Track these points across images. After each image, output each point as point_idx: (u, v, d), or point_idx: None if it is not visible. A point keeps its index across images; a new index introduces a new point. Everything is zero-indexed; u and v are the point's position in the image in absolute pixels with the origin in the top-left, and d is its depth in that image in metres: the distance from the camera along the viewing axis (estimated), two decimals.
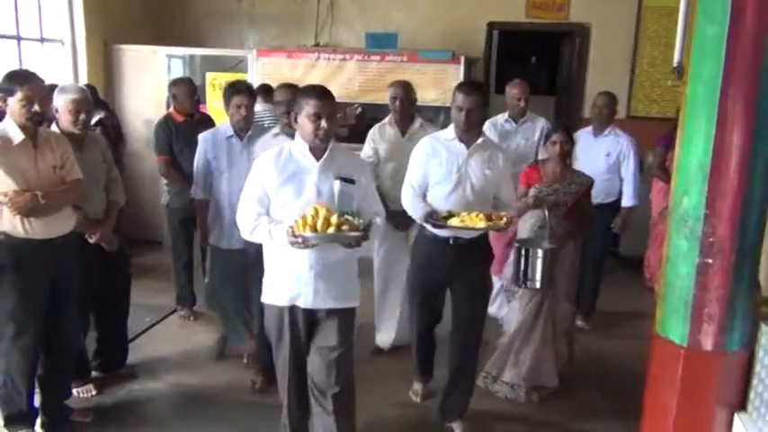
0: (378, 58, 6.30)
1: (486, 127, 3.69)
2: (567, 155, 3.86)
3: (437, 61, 6.25)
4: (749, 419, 2.80)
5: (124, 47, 6.70)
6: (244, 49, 7.02)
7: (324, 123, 2.69)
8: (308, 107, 2.70)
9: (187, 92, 4.75)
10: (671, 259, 2.91)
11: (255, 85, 4.96)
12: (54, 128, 3.47)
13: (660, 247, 5.87)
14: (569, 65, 7.56)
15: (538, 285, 3.54)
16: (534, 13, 6.98)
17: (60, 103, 3.40)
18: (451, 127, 3.39)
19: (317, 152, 2.79)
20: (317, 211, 2.62)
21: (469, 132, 3.30)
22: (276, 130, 3.82)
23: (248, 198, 2.82)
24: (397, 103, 4.30)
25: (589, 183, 3.93)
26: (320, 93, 2.75)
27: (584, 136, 4.77)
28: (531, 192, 3.78)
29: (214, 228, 4.08)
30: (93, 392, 3.70)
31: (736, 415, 2.85)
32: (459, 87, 3.32)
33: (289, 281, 2.84)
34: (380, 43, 6.41)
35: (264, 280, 2.94)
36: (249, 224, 2.79)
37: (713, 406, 2.84)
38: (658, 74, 6.64)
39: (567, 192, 3.82)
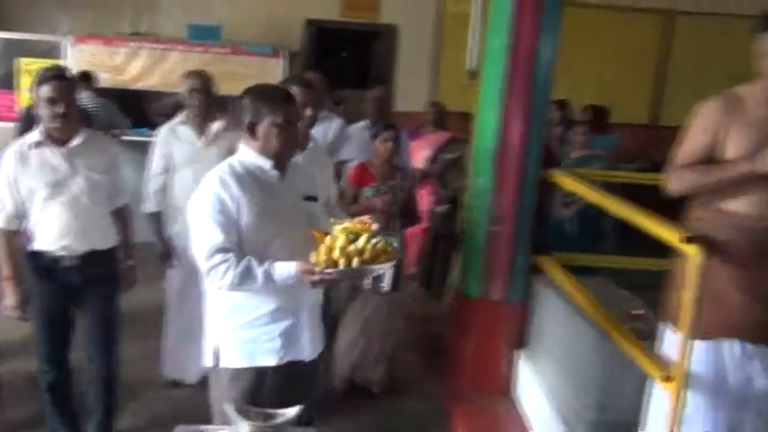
0: (201, 49, 6.47)
1: None
2: (396, 152, 3.80)
3: (260, 54, 6.55)
4: (527, 354, 3.50)
5: None
6: (56, 34, 6.80)
7: (296, 132, 2.26)
8: (274, 115, 2.15)
9: None
10: (470, 229, 3.54)
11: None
12: None
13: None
14: (381, 62, 8.19)
15: (387, 288, 3.45)
16: (348, 13, 7.51)
17: None
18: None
19: (279, 168, 2.25)
20: (336, 240, 2.08)
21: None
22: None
23: (215, 240, 2.11)
24: (196, 96, 3.54)
25: (414, 176, 3.99)
26: (288, 96, 2.26)
27: (359, 132, 4.41)
28: (368, 192, 3.64)
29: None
30: None
31: (517, 352, 3.54)
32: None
33: (280, 332, 2.23)
34: (204, 35, 6.57)
35: (227, 338, 2.24)
36: (232, 272, 2.09)
37: (501, 346, 3.52)
38: (458, 73, 7.44)
39: (402, 187, 3.76)
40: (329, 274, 2.03)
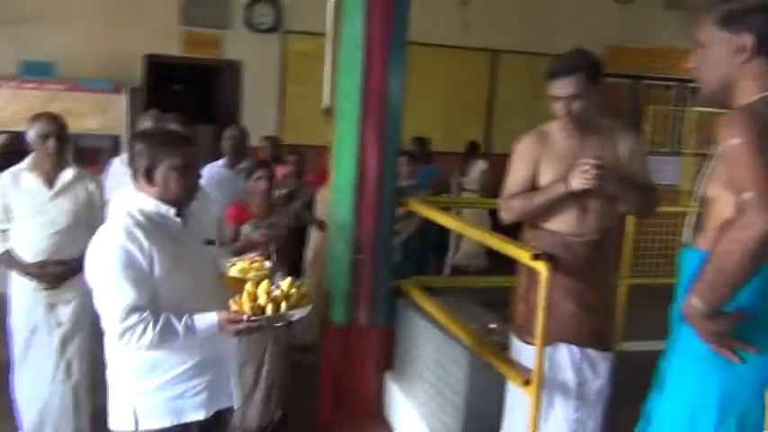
0: (34, 85, 6.14)
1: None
2: (271, 188, 3.84)
3: (99, 91, 6.33)
4: (396, 375, 3.68)
5: None
6: None
7: (196, 175, 2.16)
8: (172, 158, 2.05)
9: None
10: (333, 259, 3.68)
11: None
12: None
13: None
14: (225, 97, 8.19)
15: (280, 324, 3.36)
16: (190, 49, 7.44)
17: None
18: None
19: (180, 214, 2.14)
20: (257, 285, 2.04)
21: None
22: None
23: (129, 298, 1.95)
24: (51, 142, 3.18)
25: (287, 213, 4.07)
26: (185, 138, 2.18)
27: (217, 170, 4.40)
28: (246, 228, 3.63)
29: None
30: None
31: (386, 373, 3.72)
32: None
33: (206, 384, 2.14)
34: (37, 71, 6.25)
35: (148, 398, 2.08)
36: (151, 332, 1.94)
37: (370, 368, 3.67)
38: (304, 108, 7.61)
39: (281, 224, 3.79)
40: (257, 321, 1.96)
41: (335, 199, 3.66)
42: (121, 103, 6.42)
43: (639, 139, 2.47)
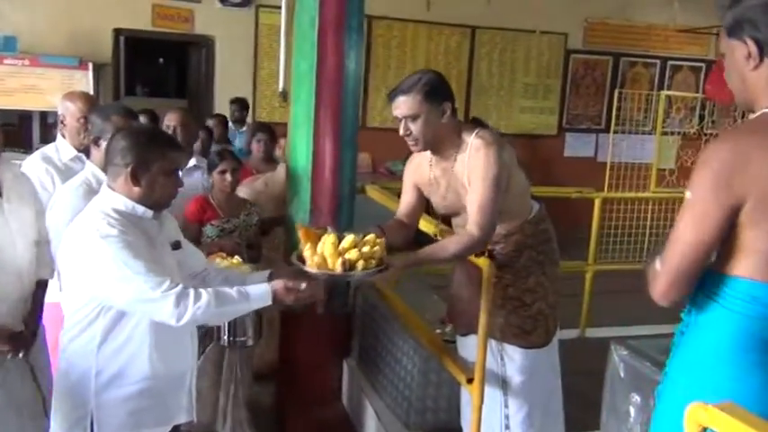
0: None
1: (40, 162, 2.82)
2: (237, 183, 3.46)
3: (64, 66, 6.17)
4: (353, 362, 3.64)
5: None
6: None
7: (179, 179, 2.06)
8: (163, 162, 1.96)
9: None
10: (291, 248, 3.59)
11: None
12: None
13: None
14: (198, 72, 8.01)
15: (251, 342, 3.04)
16: (160, 23, 7.24)
17: None
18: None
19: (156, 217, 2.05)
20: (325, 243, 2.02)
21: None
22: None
23: (156, 274, 1.85)
24: None
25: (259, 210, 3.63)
26: (175, 141, 2.16)
27: None
28: (210, 231, 3.25)
29: None
30: None
31: (344, 360, 3.67)
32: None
33: (169, 398, 2.09)
34: None
35: (107, 410, 1.98)
36: (205, 294, 1.85)
37: (329, 356, 3.59)
38: (276, 84, 7.47)
39: (250, 223, 3.45)
40: (334, 277, 1.98)
41: (292, 186, 3.56)
42: (87, 79, 6.25)
43: (489, 158, 2.22)
